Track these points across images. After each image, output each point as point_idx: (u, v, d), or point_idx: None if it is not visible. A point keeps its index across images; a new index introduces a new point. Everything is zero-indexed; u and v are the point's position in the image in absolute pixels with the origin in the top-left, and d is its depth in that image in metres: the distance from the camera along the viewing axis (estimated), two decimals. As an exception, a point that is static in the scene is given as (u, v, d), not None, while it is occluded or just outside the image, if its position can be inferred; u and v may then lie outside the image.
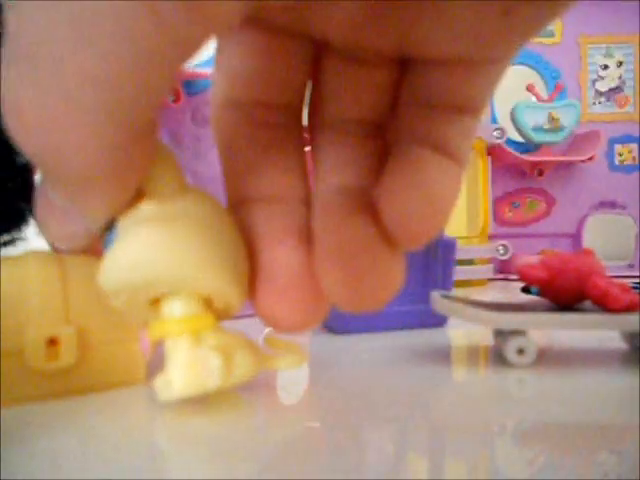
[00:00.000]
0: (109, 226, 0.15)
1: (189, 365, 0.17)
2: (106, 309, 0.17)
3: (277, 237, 0.15)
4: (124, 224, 0.15)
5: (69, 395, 0.21)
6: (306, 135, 0.16)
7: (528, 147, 0.75)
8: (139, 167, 0.13)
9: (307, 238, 0.15)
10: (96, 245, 0.18)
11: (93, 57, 0.10)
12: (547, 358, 0.27)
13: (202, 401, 0.19)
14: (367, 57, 0.14)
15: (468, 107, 0.15)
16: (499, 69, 0.14)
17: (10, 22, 0.11)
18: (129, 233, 0.15)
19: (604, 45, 0.79)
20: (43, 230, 0.16)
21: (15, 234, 0.27)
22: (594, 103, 0.79)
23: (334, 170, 0.15)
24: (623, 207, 0.76)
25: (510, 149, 0.69)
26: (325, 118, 0.16)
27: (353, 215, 0.14)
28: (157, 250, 0.15)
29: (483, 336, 0.31)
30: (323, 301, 0.14)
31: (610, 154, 0.77)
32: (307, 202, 0.15)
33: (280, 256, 0.15)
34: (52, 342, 0.20)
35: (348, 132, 0.15)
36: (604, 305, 0.25)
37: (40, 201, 0.16)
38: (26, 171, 0.27)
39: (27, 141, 0.12)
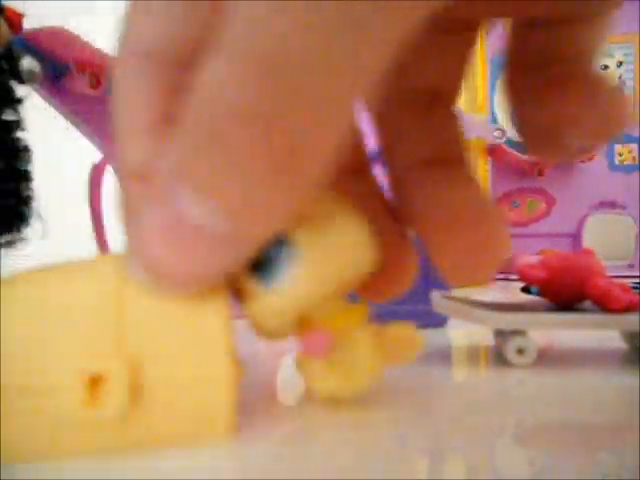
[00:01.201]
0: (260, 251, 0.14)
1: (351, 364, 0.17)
2: (177, 335, 0.14)
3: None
4: (303, 237, 0.15)
5: (113, 453, 0.15)
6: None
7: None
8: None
9: None
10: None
11: None
12: (547, 358, 0.27)
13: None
14: (457, 26, 0.14)
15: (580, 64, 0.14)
16: (604, 22, 0.14)
17: None
18: (318, 244, 0.15)
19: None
20: (149, 265, 0.13)
21: (15, 235, 0.27)
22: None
23: (414, 142, 0.15)
24: (623, 207, 0.76)
25: (510, 149, 0.69)
26: (400, 88, 0.15)
27: (458, 187, 0.14)
28: (350, 257, 0.15)
29: (483, 336, 0.31)
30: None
31: (610, 154, 0.77)
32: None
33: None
34: (96, 381, 0.14)
35: (422, 102, 0.15)
36: (604, 305, 0.25)
37: (152, 222, 0.12)
38: (27, 176, 0.27)
39: None
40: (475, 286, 0.15)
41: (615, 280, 0.27)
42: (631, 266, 0.71)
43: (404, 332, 0.19)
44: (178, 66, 0.14)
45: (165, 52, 0.14)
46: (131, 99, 0.14)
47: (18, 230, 0.27)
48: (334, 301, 0.17)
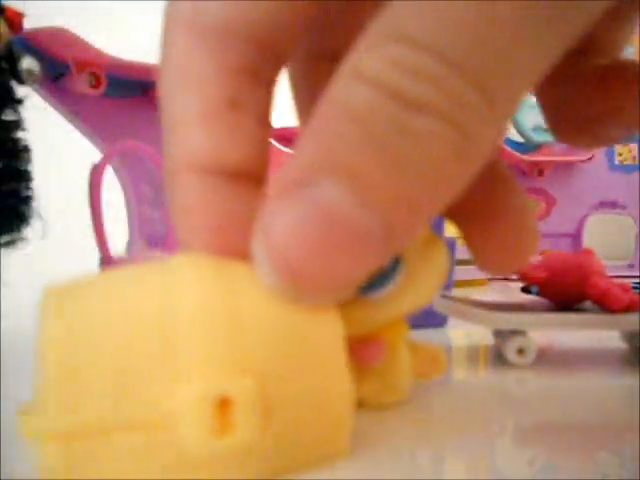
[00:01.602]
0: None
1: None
2: (295, 348, 0.12)
3: None
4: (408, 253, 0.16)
5: None
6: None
7: (528, 147, 0.75)
8: None
9: None
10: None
11: None
12: (547, 358, 0.27)
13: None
14: None
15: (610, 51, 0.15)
16: (634, 13, 0.14)
17: None
18: (422, 263, 0.16)
19: (604, 45, 0.79)
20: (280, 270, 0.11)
21: (15, 235, 0.27)
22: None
23: None
24: (623, 207, 0.76)
25: (510, 149, 0.69)
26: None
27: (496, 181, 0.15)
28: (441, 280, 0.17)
29: (483, 336, 0.31)
30: None
31: (610, 154, 0.77)
32: None
33: None
34: (221, 405, 0.12)
35: None
36: (604, 305, 0.25)
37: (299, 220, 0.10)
38: (27, 176, 0.27)
39: None
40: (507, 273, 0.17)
41: (615, 280, 0.27)
42: (631, 266, 0.71)
43: (433, 352, 0.20)
44: (254, 48, 0.13)
45: (237, 31, 0.12)
46: (190, 81, 0.13)
47: (18, 230, 0.27)
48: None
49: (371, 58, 0.10)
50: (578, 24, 0.10)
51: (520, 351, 0.25)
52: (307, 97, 0.17)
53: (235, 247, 0.13)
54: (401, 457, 0.16)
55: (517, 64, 0.10)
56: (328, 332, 0.13)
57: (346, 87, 0.10)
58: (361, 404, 0.17)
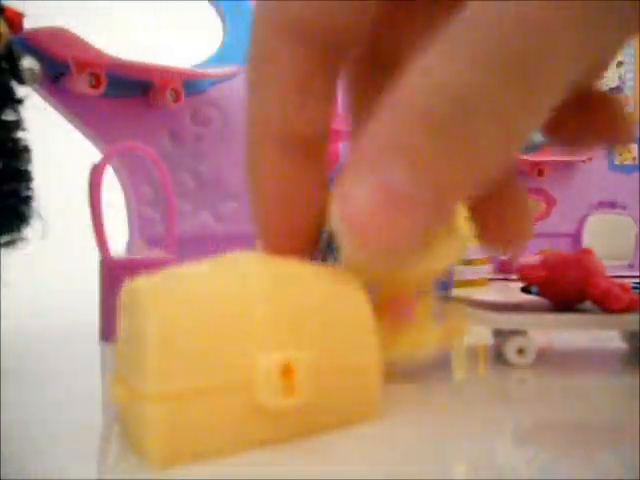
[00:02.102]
0: None
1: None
2: (342, 325, 0.17)
3: None
4: None
5: (297, 439, 0.16)
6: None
7: (528, 147, 0.75)
8: None
9: None
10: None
11: None
12: (547, 358, 0.27)
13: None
14: None
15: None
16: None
17: None
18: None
19: (604, 45, 0.79)
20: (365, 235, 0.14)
21: (15, 235, 0.27)
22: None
23: None
24: (623, 207, 0.76)
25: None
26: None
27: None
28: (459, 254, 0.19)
29: (483, 336, 0.31)
30: None
31: (610, 154, 0.77)
32: None
33: None
34: (286, 372, 0.15)
35: None
36: (604, 305, 0.25)
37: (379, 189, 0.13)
38: (27, 176, 0.27)
39: None
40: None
41: (615, 280, 0.27)
42: (631, 266, 0.71)
43: (456, 321, 0.22)
44: (324, 45, 0.16)
45: (311, 30, 0.16)
46: (271, 68, 0.16)
47: (18, 230, 0.27)
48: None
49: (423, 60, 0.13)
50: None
51: (520, 351, 0.25)
52: (358, 94, 0.20)
53: (298, 211, 0.17)
54: (401, 457, 0.16)
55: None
56: (362, 317, 0.17)
57: (411, 85, 0.13)
58: (394, 357, 0.19)
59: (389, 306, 0.19)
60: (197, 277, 0.16)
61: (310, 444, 0.16)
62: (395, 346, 0.19)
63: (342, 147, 0.42)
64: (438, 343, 0.20)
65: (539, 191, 0.77)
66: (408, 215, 0.13)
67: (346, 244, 0.14)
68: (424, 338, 0.20)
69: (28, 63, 0.28)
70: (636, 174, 0.77)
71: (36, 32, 0.36)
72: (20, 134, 0.27)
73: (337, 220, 0.14)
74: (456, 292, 0.34)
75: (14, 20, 0.29)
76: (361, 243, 0.14)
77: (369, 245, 0.14)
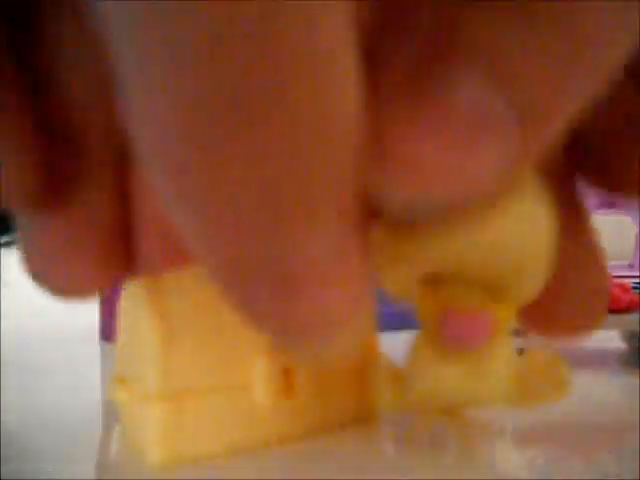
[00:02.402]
0: None
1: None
2: None
3: None
4: None
5: (297, 439, 0.16)
6: None
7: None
8: None
9: None
10: None
11: None
12: (547, 358, 0.27)
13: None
14: None
15: None
16: None
17: None
18: None
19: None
20: None
21: (15, 235, 0.27)
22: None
23: None
24: (623, 207, 0.76)
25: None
26: None
27: None
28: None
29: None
30: None
31: (610, 154, 0.77)
32: None
33: None
34: (285, 372, 0.16)
35: None
36: (604, 305, 0.25)
37: None
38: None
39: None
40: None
41: (615, 280, 0.27)
42: (631, 266, 0.71)
43: (551, 363, 0.16)
44: None
45: None
46: None
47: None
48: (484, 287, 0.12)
49: None
50: None
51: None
52: None
53: None
54: (401, 456, 0.16)
55: None
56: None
57: None
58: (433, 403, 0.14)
59: (447, 317, 0.12)
60: (199, 278, 0.16)
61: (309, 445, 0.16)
62: (446, 382, 0.13)
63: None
64: (513, 397, 0.14)
65: (539, 191, 0.77)
66: (492, 142, 0.08)
67: (392, 195, 0.08)
68: (494, 380, 0.13)
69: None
70: (636, 174, 0.77)
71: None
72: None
73: (375, 163, 0.08)
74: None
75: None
76: (420, 188, 0.08)
77: (433, 190, 0.08)
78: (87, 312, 0.33)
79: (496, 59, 0.08)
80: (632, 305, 0.25)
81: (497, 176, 0.09)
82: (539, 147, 0.09)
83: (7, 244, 0.27)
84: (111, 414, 0.19)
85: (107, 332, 0.31)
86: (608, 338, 0.29)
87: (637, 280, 0.49)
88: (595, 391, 0.22)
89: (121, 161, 0.10)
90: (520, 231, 0.10)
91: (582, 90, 0.09)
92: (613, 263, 0.70)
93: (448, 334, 0.12)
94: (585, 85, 0.09)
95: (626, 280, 0.32)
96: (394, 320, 0.34)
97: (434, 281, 0.12)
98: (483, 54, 0.08)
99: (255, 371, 0.15)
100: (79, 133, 0.10)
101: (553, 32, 0.08)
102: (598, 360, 0.26)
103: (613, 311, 0.25)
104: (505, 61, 0.08)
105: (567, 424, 0.19)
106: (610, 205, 0.77)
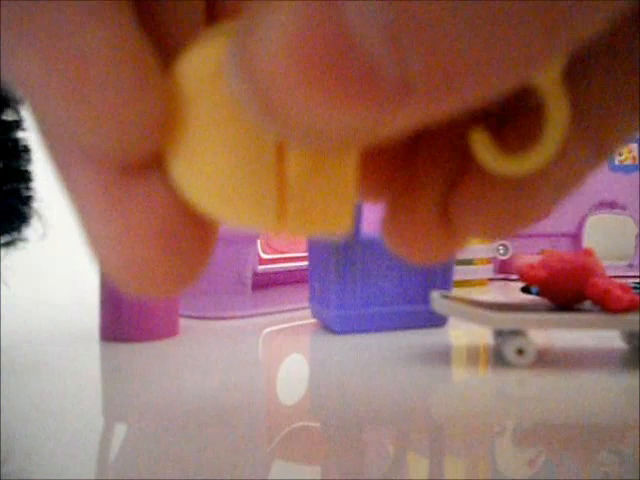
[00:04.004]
0: None
1: None
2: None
3: None
4: None
5: None
6: None
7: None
8: None
9: None
10: None
11: None
12: (547, 358, 0.27)
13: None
14: None
15: None
16: None
17: None
18: None
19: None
20: None
21: (15, 235, 0.27)
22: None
23: None
24: (623, 207, 0.76)
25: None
26: None
27: None
28: None
29: (483, 336, 0.31)
30: None
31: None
32: None
33: None
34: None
35: None
36: (604, 305, 0.25)
37: None
38: (27, 176, 0.27)
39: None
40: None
41: (615, 280, 0.27)
42: (631, 266, 0.71)
43: None
44: None
45: None
46: None
47: (18, 230, 0.27)
48: None
49: None
50: None
51: (520, 351, 0.25)
52: None
53: None
54: (401, 457, 0.16)
55: None
56: None
57: None
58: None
59: None
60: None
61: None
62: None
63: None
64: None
65: (539, 191, 0.77)
66: (351, 84, 0.07)
67: (249, 111, 0.08)
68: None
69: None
70: (636, 174, 0.77)
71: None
72: (20, 134, 0.27)
73: (234, 75, 0.08)
74: (456, 292, 0.34)
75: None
76: (269, 115, 0.08)
77: (281, 121, 0.08)
78: (87, 312, 0.33)
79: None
80: (632, 305, 0.25)
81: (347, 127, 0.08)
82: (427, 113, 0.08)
83: (7, 244, 0.27)
84: (111, 414, 0.19)
85: (107, 332, 0.31)
86: (608, 338, 0.29)
87: (637, 280, 0.49)
88: (595, 391, 0.22)
89: None
90: None
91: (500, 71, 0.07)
92: (613, 263, 0.70)
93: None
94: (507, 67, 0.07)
95: (626, 280, 0.32)
96: (394, 320, 0.34)
97: None
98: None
99: None
100: None
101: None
102: (598, 360, 0.26)
103: (613, 311, 0.25)
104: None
105: (567, 424, 0.19)
106: (610, 205, 0.77)
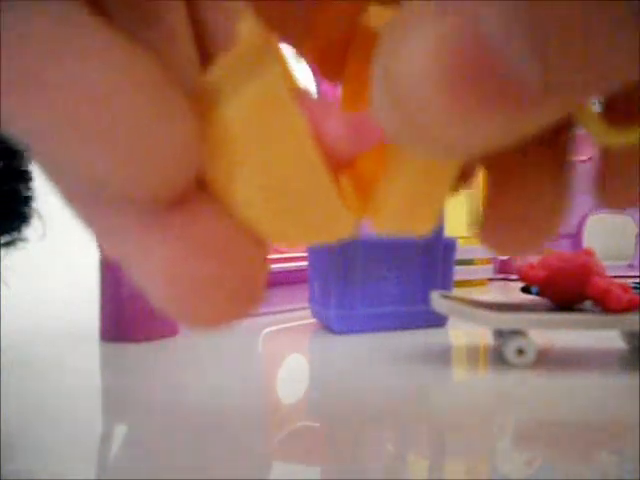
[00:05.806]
0: None
1: None
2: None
3: None
4: None
5: None
6: None
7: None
8: None
9: None
10: None
11: None
12: (547, 358, 0.27)
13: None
14: None
15: None
16: None
17: None
18: None
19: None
20: None
21: (15, 235, 0.27)
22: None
23: None
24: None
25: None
26: None
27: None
28: None
29: (483, 336, 0.31)
30: None
31: (610, 154, 0.77)
32: None
33: None
34: None
35: None
36: (604, 305, 0.25)
37: None
38: (27, 176, 0.27)
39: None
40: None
41: (615, 280, 0.27)
42: (631, 266, 0.71)
43: None
44: None
45: None
46: None
47: (18, 230, 0.27)
48: None
49: None
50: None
51: (520, 351, 0.25)
52: None
53: None
54: (401, 457, 0.16)
55: None
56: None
57: None
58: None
59: None
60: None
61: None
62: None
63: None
64: None
65: (539, 191, 0.77)
66: (493, 93, 0.08)
67: (390, 128, 0.08)
68: None
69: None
70: (636, 174, 0.76)
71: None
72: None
73: (378, 94, 0.08)
74: (456, 292, 0.34)
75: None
76: (413, 131, 0.08)
77: (424, 137, 0.08)
78: (87, 312, 0.33)
79: None
80: (632, 305, 0.25)
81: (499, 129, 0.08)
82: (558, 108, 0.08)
83: (7, 244, 0.27)
84: (111, 414, 0.19)
85: (107, 332, 0.31)
86: (608, 338, 0.29)
87: (637, 280, 0.49)
88: (595, 391, 0.22)
89: None
90: None
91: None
92: (613, 263, 0.70)
93: None
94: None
95: (626, 280, 0.32)
96: (394, 320, 0.34)
97: None
98: None
99: None
100: None
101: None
102: (598, 360, 0.26)
103: (613, 311, 0.25)
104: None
105: (567, 424, 0.19)
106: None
